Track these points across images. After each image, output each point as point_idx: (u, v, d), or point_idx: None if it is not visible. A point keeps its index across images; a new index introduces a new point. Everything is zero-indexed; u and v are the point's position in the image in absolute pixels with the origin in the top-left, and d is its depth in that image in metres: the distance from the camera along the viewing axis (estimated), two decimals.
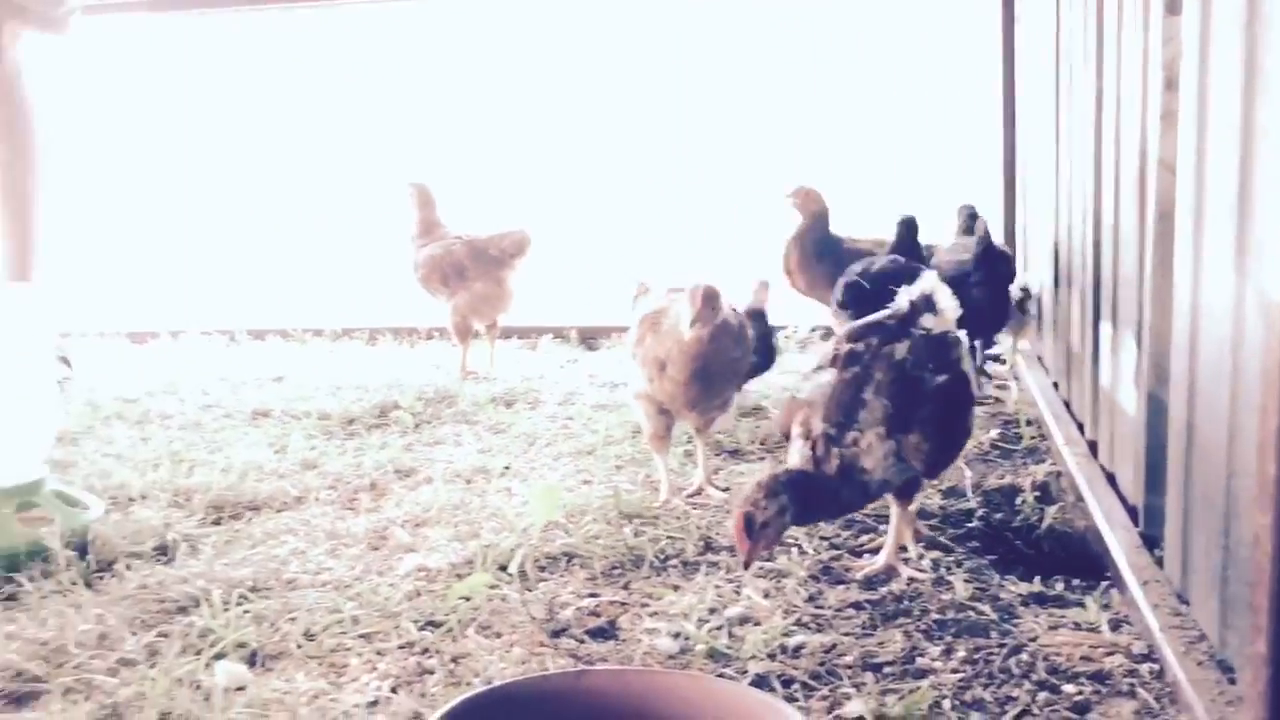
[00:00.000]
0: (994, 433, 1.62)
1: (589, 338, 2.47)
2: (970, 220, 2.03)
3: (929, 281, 1.16)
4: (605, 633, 0.98)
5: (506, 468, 1.50)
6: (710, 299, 1.21)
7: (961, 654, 0.93)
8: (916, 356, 1.10)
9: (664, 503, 1.30)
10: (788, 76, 2.83)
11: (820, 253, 2.02)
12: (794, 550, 1.16)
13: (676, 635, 0.96)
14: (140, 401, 1.91)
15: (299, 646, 0.95)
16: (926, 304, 1.14)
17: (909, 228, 1.90)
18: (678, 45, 2.84)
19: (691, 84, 2.90)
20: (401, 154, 2.80)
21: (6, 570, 1.13)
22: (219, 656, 0.92)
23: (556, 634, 0.97)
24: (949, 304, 1.15)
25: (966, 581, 1.06)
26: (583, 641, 0.96)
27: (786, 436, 1.10)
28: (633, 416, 1.54)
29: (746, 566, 1.03)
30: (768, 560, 1.11)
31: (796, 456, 1.06)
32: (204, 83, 2.78)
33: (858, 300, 1.60)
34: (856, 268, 1.69)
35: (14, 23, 2.01)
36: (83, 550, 1.17)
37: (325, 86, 2.82)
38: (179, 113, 2.86)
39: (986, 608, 1.01)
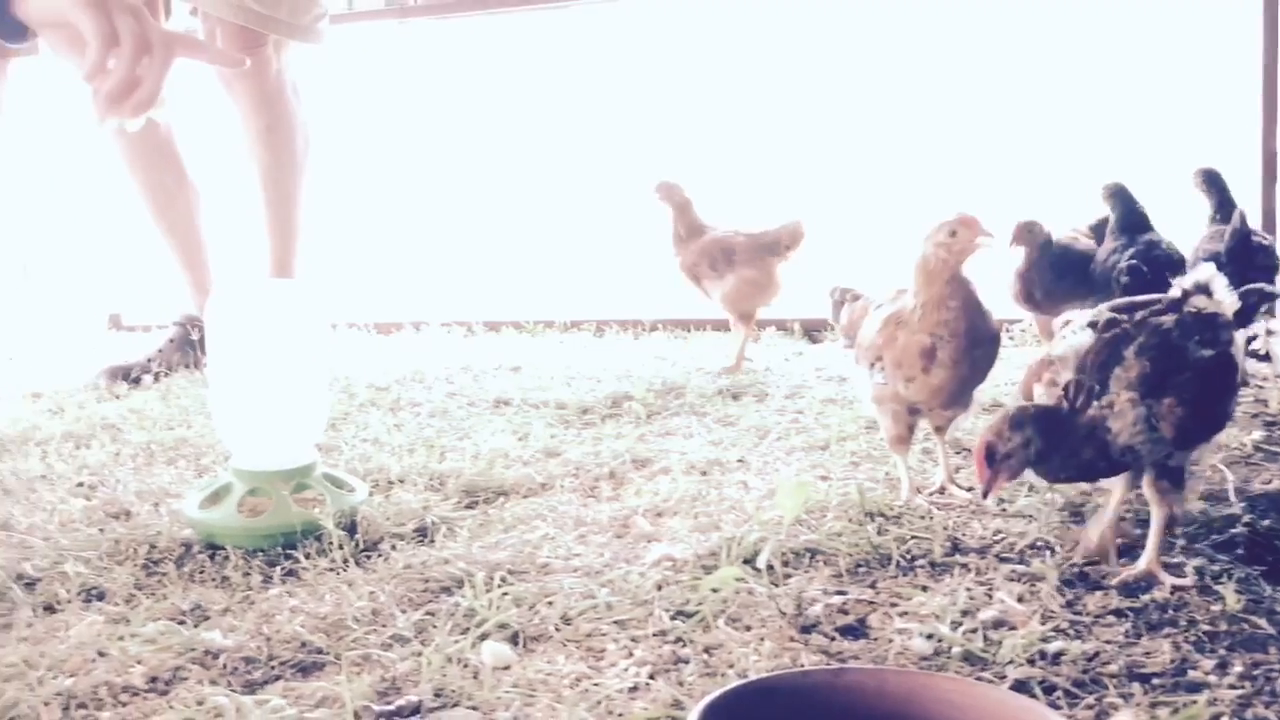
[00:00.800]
0: (1256, 434, 1.52)
1: (812, 330, 2.46)
2: (1211, 188, 1.92)
3: (1205, 271, 1.11)
4: (855, 631, 0.98)
5: (740, 461, 1.51)
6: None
7: (1238, 669, 0.89)
8: (1183, 329, 1.06)
9: (906, 501, 1.29)
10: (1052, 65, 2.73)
11: (1059, 273, 1.92)
12: (1046, 553, 1.13)
13: (929, 636, 0.94)
14: (391, 390, 2.02)
15: (557, 630, 0.99)
16: (1201, 292, 1.11)
17: (1121, 197, 1.82)
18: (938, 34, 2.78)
19: (956, 75, 2.82)
20: (637, 149, 2.86)
21: (285, 546, 1.22)
22: (484, 637, 0.97)
23: (806, 630, 0.98)
24: (1225, 296, 1.10)
25: (1237, 592, 1.01)
26: (833, 639, 0.96)
27: (1029, 398, 1.09)
28: (865, 412, 1.53)
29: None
30: (1019, 564, 1.09)
31: (1044, 400, 1.06)
32: (449, 82, 2.90)
33: (1139, 287, 1.57)
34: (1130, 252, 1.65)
35: (278, 35, 2.16)
36: (351, 530, 1.25)
37: (562, 84, 2.90)
38: (425, 112, 3.00)
39: (1263, 621, 0.96)
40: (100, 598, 1.11)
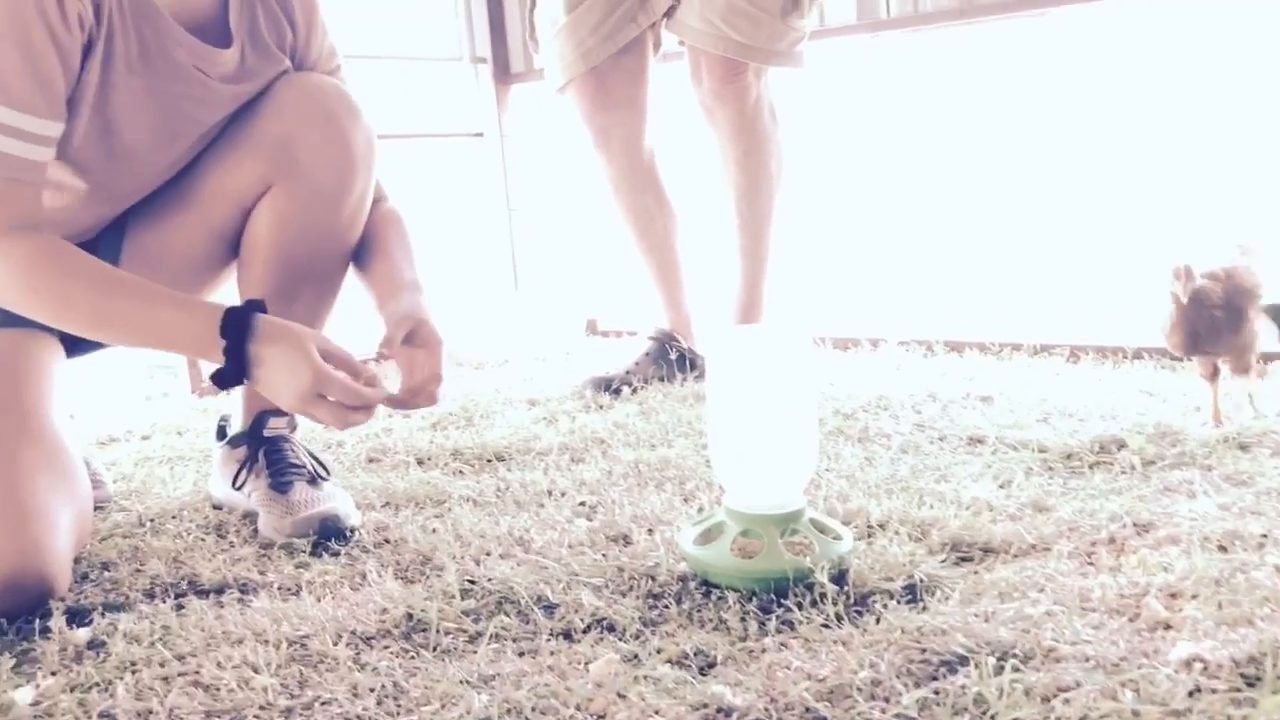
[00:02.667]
0: None
1: None
2: None
3: None
4: None
5: (1264, 535, 1.35)
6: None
7: None
8: None
9: None
10: None
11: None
12: None
13: None
14: (857, 417, 2.01)
15: None
16: None
17: None
18: None
19: None
20: (1122, 163, 2.67)
21: (776, 592, 1.24)
22: None
23: None
24: None
25: None
26: None
27: None
28: None
29: None
30: None
31: None
32: (921, 94, 2.85)
33: None
34: None
35: (759, 63, 2.20)
36: (839, 581, 1.25)
37: (1040, 92, 2.76)
38: (898, 124, 2.96)
39: None
40: (610, 629, 1.18)
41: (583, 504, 1.59)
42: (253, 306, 1.30)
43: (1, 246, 1.25)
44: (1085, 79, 2.70)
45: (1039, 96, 2.64)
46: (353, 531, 1.53)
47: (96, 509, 1.63)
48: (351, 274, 1.61)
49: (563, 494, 1.65)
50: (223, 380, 1.30)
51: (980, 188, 2.79)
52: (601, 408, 2.23)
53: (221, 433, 1.71)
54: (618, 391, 2.30)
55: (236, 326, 1.27)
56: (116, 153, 1.39)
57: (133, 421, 2.29)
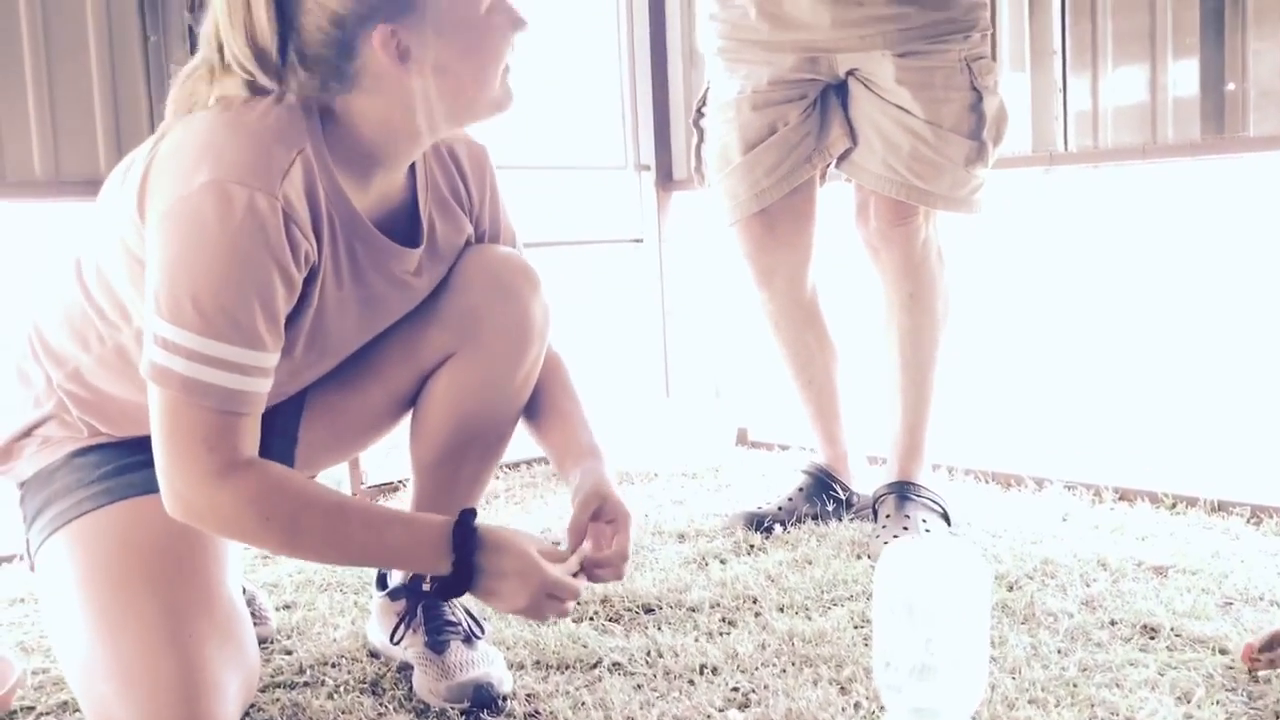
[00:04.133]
0: None
1: None
2: None
3: None
4: None
5: None
6: None
7: None
8: None
9: None
10: None
11: None
12: None
13: None
14: (1021, 587, 1.92)
15: None
16: None
17: None
18: None
19: None
20: None
21: None
22: None
23: None
24: None
25: None
26: None
27: None
28: None
29: None
30: None
31: None
32: (1087, 229, 2.76)
33: None
34: None
35: (935, 209, 2.16)
36: None
37: (1221, 233, 2.64)
38: (1072, 259, 2.87)
39: None
40: None
41: (735, 689, 1.56)
42: (469, 516, 1.33)
43: (231, 479, 1.27)
44: (1273, 222, 2.57)
45: (1225, 237, 2.51)
46: (505, 700, 1.53)
47: (260, 644, 1.67)
48: (522, 425, 1.63)
49: (714, 671, 1.62)
50: (446, 591, 1.33)
51: (1158, 327, 2.67)
52: (753, 549, 2.19)
53: (382, 581, 1.74)
54: (769, 530, 2.27)
55: (464, 541, 1.30)
56: (320, 348, 1.45)
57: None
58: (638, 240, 3.34)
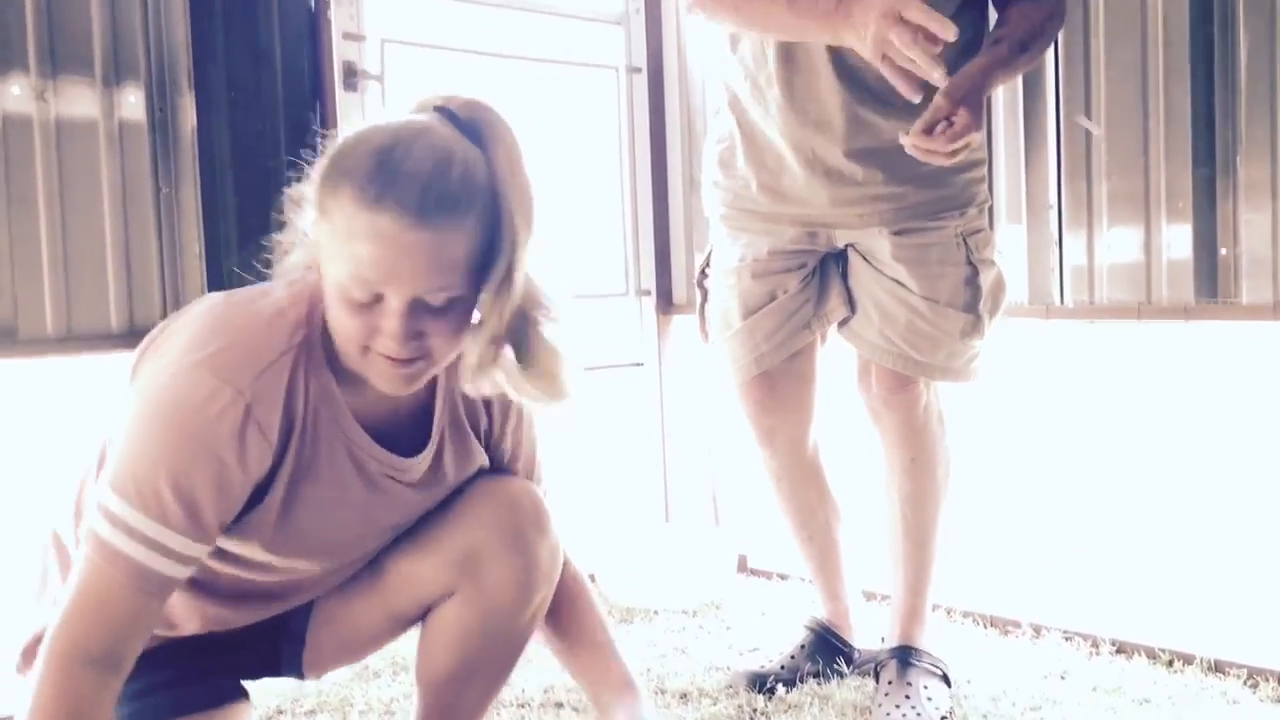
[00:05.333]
0: None
1: None
2: None
3: None
4: None
5: None
6: None
7: None
8: None
9: None
10: None
11: None
12: None
13: None
14: None
15: None
16: None
17: None
18: None
19: None
20: None
21: None
22: None
23: None
24: None
25: None
26: None
27: None
28: None
29: None
30: None
31: None
32: (1085, 380, 2.80)
33: None
34: None
35: (933, 379, 2.20)
36: None
37: (1219, 393, 2.68)
38: (1062, 406, 2.91)
39: None
40: None
41: None
42: None
43: (65, 667, 1.23)
44: (1271, 386, 2.61)
45: (1219, 396, 2.55)
46: None
47: None
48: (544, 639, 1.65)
49: None
50: None
51: (1155, 481, 2.69)
52: (755, 712, 2.21)
53: None
54: (772, 690, 2.28)
55: None
56: (302, 547, 1.44)
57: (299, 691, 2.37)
58: (638, 364, 3.38)
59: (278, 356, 1.30)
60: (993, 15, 2.18)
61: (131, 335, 2.41)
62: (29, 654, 1.48)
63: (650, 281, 3.38)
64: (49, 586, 1.50)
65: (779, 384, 2.29)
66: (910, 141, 1.90)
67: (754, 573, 3.22)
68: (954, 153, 1.90)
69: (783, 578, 3.13)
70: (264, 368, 1.29)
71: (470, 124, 1.31)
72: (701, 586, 3.02)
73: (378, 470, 1.44)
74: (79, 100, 2.35)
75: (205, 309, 1.36)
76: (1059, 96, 2.56)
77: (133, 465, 1.26)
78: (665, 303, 3.39)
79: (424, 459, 1.48)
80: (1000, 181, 2.66)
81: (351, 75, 2.72)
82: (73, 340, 2.36)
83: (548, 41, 3.18)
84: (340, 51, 2.70)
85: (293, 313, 1.32)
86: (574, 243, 3.30)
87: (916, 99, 1.83)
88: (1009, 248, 2.61)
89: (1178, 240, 2.42)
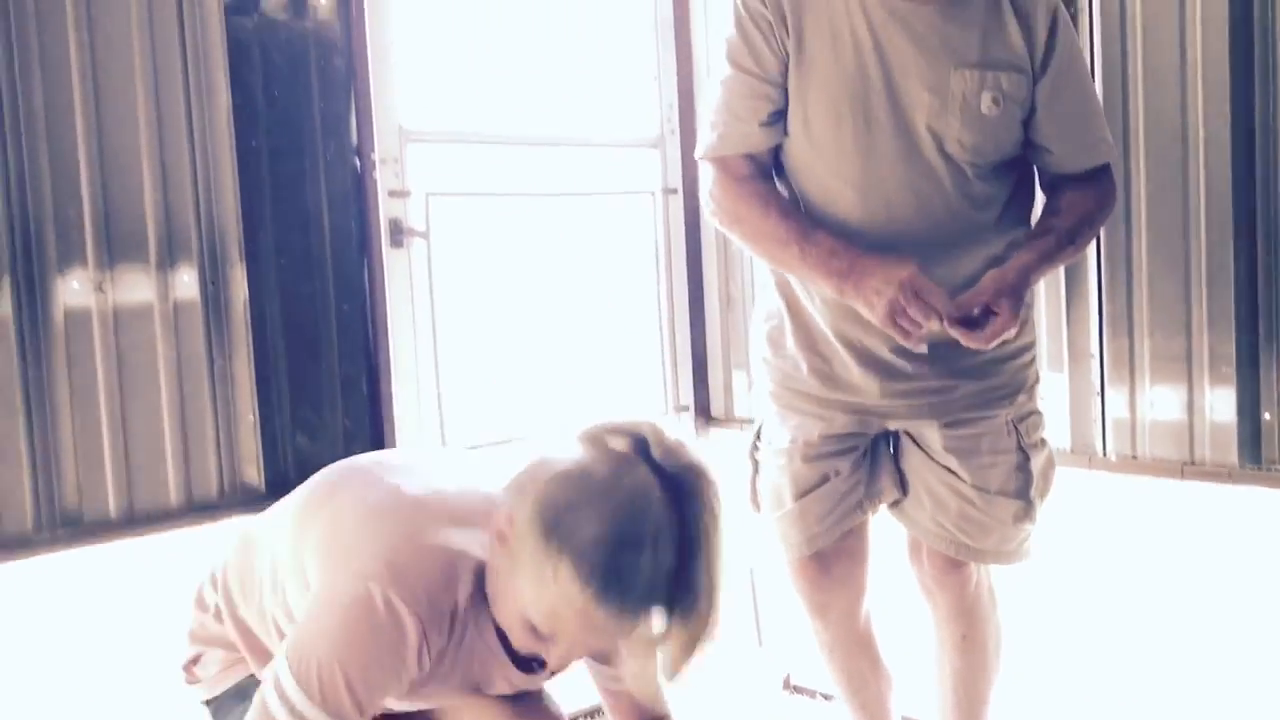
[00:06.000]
0: None
1: None
2: None
3: None
4: None
5: None
6: None
7: None
8: None
9: None
10: None
11: None
12: None
13: None
14: None
15: None
16: None
17: None
18: None
19: None
20: None
21: None
22: None
23: None
24: None
25: None
26: None
27: None
28: None
29: None
30: None
31: None
32: (1128, 535, 2.82)
33: None
34: None
35: (986, 563, 2.23)
36: None
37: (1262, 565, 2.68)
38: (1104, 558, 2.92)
39: None
40: None
41: None
42: None
43: None
44: None
45: (1270, 565, 2.55)
46: None
47: None
48: None
49: None
50: None
51: (1197, 646, 2.70)
52: None
53: None
54: None
55: None
56: (415, 697, 1.57)
57: None
58: None
59: (457, 603, 1.46)
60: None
61: (191, 512, 2.46)
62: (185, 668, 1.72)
63: (688, 397, 3.42)
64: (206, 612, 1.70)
65: (832, 562, 2.32)
66: (947, 329, 1.94)
67: (797, 690, 3.27)
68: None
69: (827, 697, 3.17)
70: (447, 611, 1.44)
71: (676, 483, 1.35)
72: (745, 706, 3.07)
73: (501, 667, 1.58)
74: (135, 286, 2.39)
75: (402, 525, 1.46)
76: (1100, 254, 2.58)
77: (318, 662, 1.37)
78: (703, 417, 3.43)
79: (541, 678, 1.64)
80: (1042, 327, 2.68)
81: (398, 232, 2.76)
82: (135, 522, 2.41)
83: (585, 170, 3.20)
84: (386, 209, 2.73)
85: (473, 563, 1.45)
86: (614, 363, 3.33)
87: (922, 349, 1.92)
88: (1051, 394, 2.63)
89: (1221, 403, 2.44)
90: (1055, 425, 2.66)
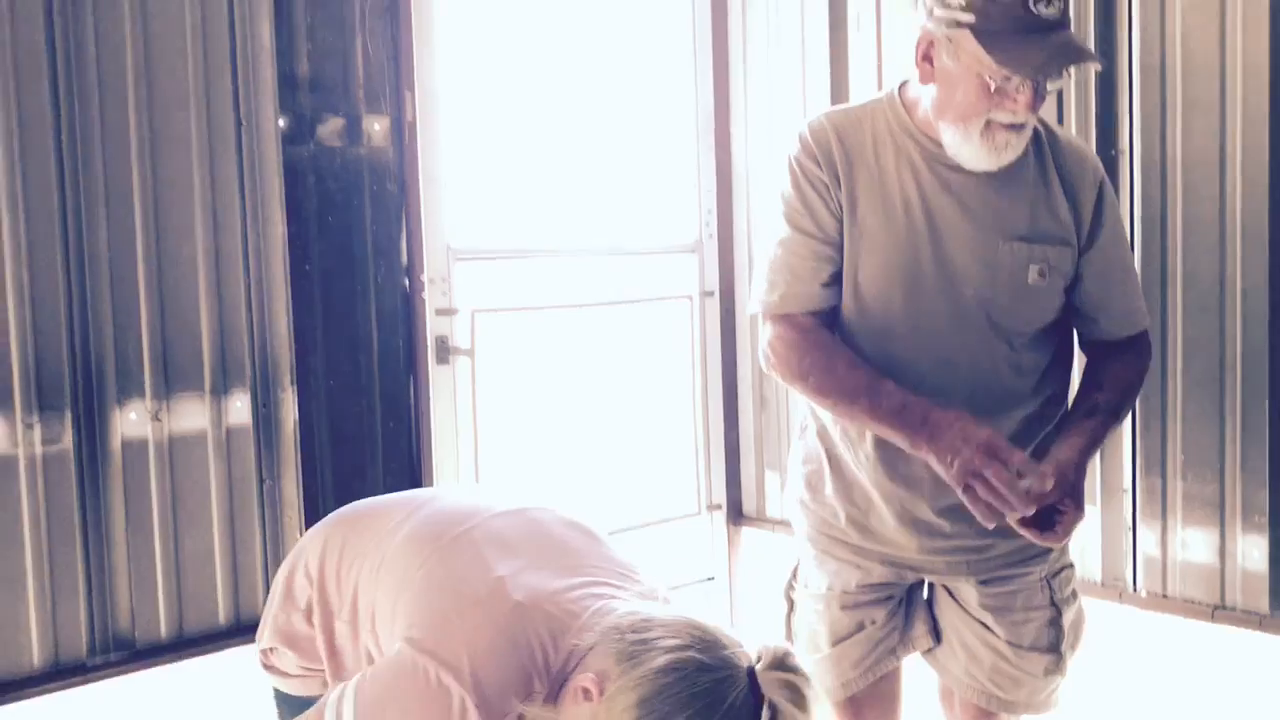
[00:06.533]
0: None
1: None
2: None
3: None
4: None
5: None
6: None
7: None
8: None
9: None
10: None
11: None
12: None
13: None
14: None
15: None
16: None
17: None
18: None
19: None
20: None
21: None
22: None
23: None
24: None
25: None
26: None
27: None
28: None
29: None
30: None
31: None
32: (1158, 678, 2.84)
33: None
34: None
35: (1016, 714, 2.26)
36: None
37: None
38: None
39: None
40: None
41: None
42: None
43: None
44: None
45: None
46: None
47: None
48: None
49: None
50: None
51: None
52: None
53: None
54: None
55: None
56: None
57: None
58: (709, 579, 3.46)
59: (525, 670, 1.45)
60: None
61: (239, 632, 2.52)
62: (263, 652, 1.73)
63: (721, 495, 3.46)
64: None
65: (864, 707, 2.36)
66: (1020, 531, 1.97)
67: None
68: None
69: None
70: (510, 684, 1.43)
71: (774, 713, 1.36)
72: None
73: None
74: (190, 414, 2.46)
75: (493, 593, 1.45)
76: None
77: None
78: (736, 515, 3.47)
79: None
80: None
81: (444, 349, 2.82)
82: (185, 644, 2.47)
83: (625, 276, 3.26)
84: (434, 327, 2.79)
85: (550, 677, 1.44)
86: (649, 462, 3.38)
87: (991, 526, 1.92)
88: (1083, 526, 2.66)
89: (1253, 550, 2.47)
90: (1087, 558, 2.71)
